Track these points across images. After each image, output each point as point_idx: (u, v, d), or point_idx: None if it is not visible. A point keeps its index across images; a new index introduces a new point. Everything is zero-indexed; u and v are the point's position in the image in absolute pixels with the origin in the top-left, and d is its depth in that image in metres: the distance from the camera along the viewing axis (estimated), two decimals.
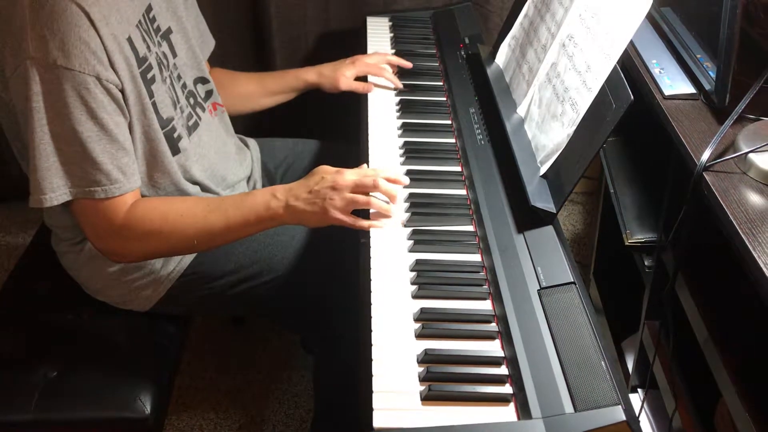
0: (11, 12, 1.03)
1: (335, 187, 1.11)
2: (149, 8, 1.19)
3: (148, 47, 1.16)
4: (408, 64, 1.55)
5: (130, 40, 1.10)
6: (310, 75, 1.54)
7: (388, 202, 1.14)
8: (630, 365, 1.53)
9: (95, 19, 1.03)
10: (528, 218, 1.08)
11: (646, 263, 1.36)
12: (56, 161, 1.06)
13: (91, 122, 1.05)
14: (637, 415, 1.39)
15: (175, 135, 1.22)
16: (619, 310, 1.68)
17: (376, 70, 1.52)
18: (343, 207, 1.11)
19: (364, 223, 1.12)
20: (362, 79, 1.54)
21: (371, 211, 1.13)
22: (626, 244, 1.35)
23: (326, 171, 1.14)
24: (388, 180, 1.14)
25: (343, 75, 1.51)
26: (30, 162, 1.06)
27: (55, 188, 1.06)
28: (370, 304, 0.99)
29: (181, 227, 1.15)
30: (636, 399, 1.50)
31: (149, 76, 1.14)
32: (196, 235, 1.15)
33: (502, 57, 1.43)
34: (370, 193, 1.13)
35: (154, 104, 1.15)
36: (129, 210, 1.13)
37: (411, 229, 1.12)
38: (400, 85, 1.50)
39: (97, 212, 1.11)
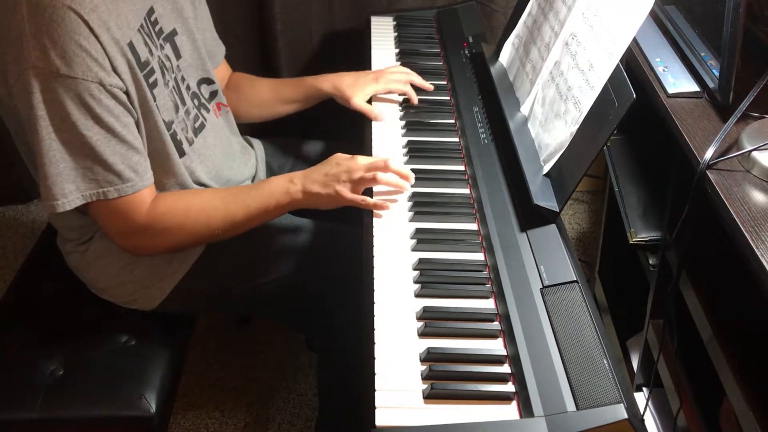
0: (10, 20, 1.04)
1: (348, 170, 1.16)
2: (151, 11, 1.19)
3: (150, 51, 1.16)
4: (430, 87, 1.47)
5: (131, 45, 1.11)
6: (325, 85, 1.47)
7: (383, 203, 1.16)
8: (635, 364, 1.52)
9: (94, 26, 1.03)
10: (531, 217, 1.08)
11: (650, 262, 1.35)
12: (66, 167, 1.06)
13: (99, 126, 1.06)
14: (641, 413, 1.39)
15: (178, 138, 1.22)
16: (625, 309, 1.68)
17: (400, 88, 1.44)
18: (354, 187, 1.16)
19: (370, 201, 1.15)
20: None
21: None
22: (630, 242, 1.35)
23: (341, 157, 1.19)
24: (399, 173, 1.18)
25: (361, 92, 1.43)
26: (39, 169, 1.07)
27: (66, 193, 1.07)
28: (372, 302, 0.99)
29: (204, 219, 1.19)
30: (641, 398, 1.50)
31: (151, 80, 1.15)
32: (219, 226, 1.20)
33: (505, 56, 1.43)
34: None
35: (156, 107, 1.16)
36: (150, 208, 1.15)
37: (414, 227, 1.13)
38: (428, 87, 1.46)
39: (116, 212, 1.12)
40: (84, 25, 1.02)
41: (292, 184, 1.19)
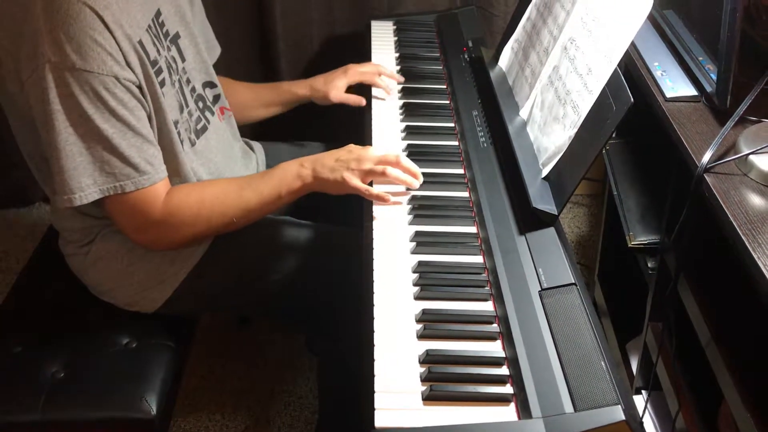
0: (24, 16, 1.05)
1: (359, 158, 1.18)
2: (158, 13, 1.21)
3: (158, 51, 1.17)
4: (400, 78, 1.55)
5: (141, 43, 1.12)
6: (301, 89, 1.55)
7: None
8: (634, 367, 1.53)
9: (108, 22, 1.05)
10: (530, 220, 1.08)
11: (649, 265, 1.36)
12: (83, 161, 1.07)
13: (114, 119, 1.07)
14: (640, 416, 1.39)
15: (182, 138, 1.23)
16: (624, 312, 1.68)
17: (369, 78, 1.52)
18: (362, 176, 1.18)
19: (374, 191, 1.17)
20: (354, 89, 1.54)
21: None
22: (629, 246, 1.35)
23: (354, 146, 1.23)
24: (408, 171, 1.20)
25: (334, 87, 1.51)
26: (54, 163, 1.08)
27: (83, 187, 1.08)
28: (372, 304, 1.00)
29: (219, 209, 1.21)
30: (640, 400, 1.50)
31: (159, 79, 1.16)
32: (234, 214, 1.22)
33: (505, 60, 1.44)
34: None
35: (164, 106, 1.17)
36: (165, 201, 1.16)
37: (413, 230, 1.13)
38: (398, 78, 1.52)
39: (133, 206, 1.14)
40: (99, 21, 1.04)
41: (303, 168, 1.21)
